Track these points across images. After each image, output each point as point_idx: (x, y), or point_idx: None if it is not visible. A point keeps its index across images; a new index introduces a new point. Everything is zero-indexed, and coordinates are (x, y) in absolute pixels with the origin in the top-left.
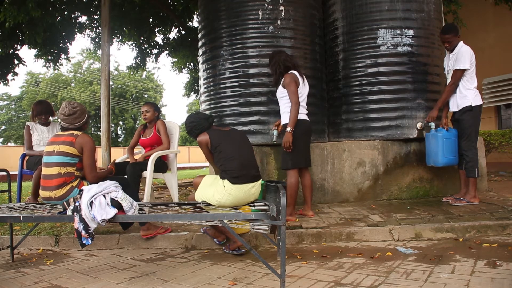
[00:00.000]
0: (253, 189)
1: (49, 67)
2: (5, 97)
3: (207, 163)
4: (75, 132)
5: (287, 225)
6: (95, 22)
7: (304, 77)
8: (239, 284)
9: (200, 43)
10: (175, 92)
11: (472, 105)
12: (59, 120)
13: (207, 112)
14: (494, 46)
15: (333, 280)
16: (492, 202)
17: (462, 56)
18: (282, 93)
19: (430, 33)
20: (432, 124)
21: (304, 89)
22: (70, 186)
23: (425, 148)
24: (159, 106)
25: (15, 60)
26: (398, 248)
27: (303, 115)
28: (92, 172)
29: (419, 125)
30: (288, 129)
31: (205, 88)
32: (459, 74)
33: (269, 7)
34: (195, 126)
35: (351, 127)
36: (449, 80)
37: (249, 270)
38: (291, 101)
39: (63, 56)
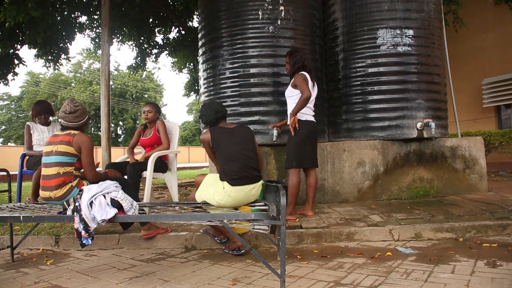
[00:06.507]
0: (253, 190)
1: (49, 67)
2: (5, 97)
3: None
4: (73, 132)
5: (287, 225)
6: (95, 22)
7: (315, 81)
8: (239, 284)
9: (200, 43)
10: (175, 92)
11: None
12: (59, 119)
13: None
14: (494, 46)
15: (333, 280)
16: (492, 202)
17: None
18: (291, 93)
19: (430, 33)
20: (432, 124)
21: (312, 92)
22: (70, 186)
23: None
24: (159, 106)
25: (15, 60)
26: (398, 248)
27: (309, 116)
28: (92, 171)
29: (419, 125)
30: (290, 114)
31: (205, 88)
32: None
33: (269, 7)
34: (204, 115)
35: (351, 127)
36: None
37: (249, 270)
38: (303, 94)
39: (63, 56)
